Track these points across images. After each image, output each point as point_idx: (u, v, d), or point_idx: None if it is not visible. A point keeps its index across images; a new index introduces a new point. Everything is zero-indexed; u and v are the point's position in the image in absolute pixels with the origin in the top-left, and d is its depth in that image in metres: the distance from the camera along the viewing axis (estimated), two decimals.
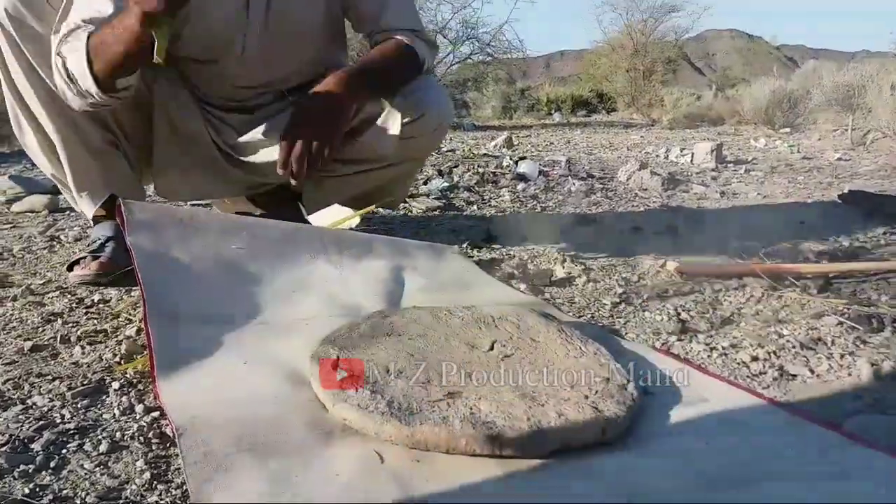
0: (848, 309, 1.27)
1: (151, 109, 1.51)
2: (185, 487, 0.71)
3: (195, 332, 1.03)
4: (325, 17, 1.51)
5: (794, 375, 1.02)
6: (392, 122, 1.46)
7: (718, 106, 9.74)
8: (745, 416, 0.89)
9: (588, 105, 15.16)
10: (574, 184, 2.89)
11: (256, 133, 1.49)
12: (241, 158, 1.52)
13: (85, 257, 1.44)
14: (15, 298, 1.32)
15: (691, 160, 3.96)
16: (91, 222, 1.54)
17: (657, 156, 4.37)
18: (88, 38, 1.17)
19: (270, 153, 1.46)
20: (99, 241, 1.46)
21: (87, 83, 1.19)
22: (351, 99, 1.32)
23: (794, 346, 1.12)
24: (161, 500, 0.70)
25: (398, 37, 1.46)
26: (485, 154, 4.22)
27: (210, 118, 1.53)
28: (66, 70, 1.20)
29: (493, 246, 1.80)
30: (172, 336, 0.99)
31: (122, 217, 1.20)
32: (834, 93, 6.07)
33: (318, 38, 1.53)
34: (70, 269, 1.44)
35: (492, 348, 0.98)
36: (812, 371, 1.03)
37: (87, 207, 1.46)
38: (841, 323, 1.20)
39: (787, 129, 6.71)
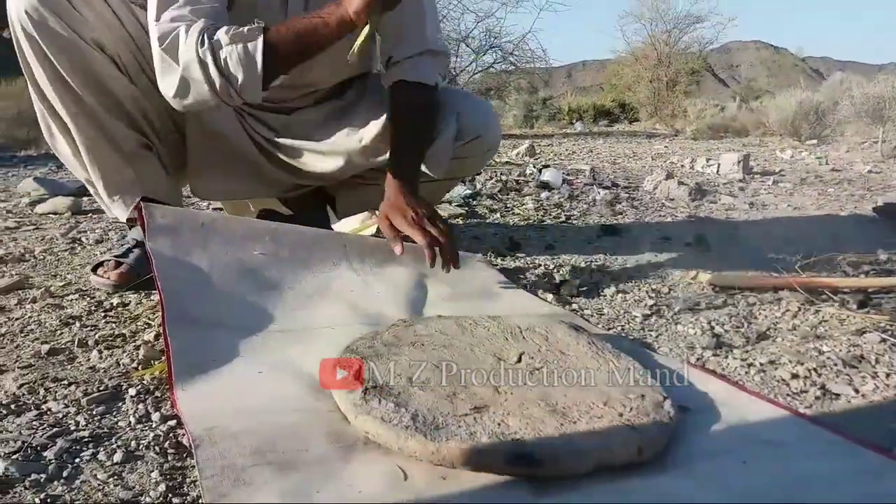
0: (891, 325, 1.22)
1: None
2: (201, 501, 0.68)
3: (214, 339, 1.00)
4: None
5: (838, 395, 0.97)
6: (446, 145, 1.46)
7: (743, 117, 9.60)
8: (787, 438, 0.84)
9: (610, 115, 15.08)
10: (599, 193, 2.84)
11: (308, 135, 1.49)
12: (284, 159, 1.52)
13: (109, 260, 1.42)
14: (34, 300, 1.30)
15: (717, 171, 3.89)
16: (126, 226, 1.53)
17: (682, 166, 4.30)
18: (265, 33, 1.17)
19: (318, 159, 1.48)
20: (126, 246, 1.44)
21: (253, 79, 1.17)
22: (416, 196, 1.33)
23: (835, 364, 1.07)
24: None
25: (407, 79, 1.43)
26: (507, 162, 4.20)
27: (243, 114, 1.51)
28: (218, 63, 1.15)
29: (518, 254, 1.76)
30: (191, 342, 0.97)
31: (143, 221, 1.18)
32: (864, 104, 5.96)
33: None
34: (94, 270, 1.43)
35: (519, 361, 0.94)
36: (856, 390, 0.98)
37: (119, 211, 1.44)
38: (884, 340, 1.15)
39: (814, 141, 6.59)
